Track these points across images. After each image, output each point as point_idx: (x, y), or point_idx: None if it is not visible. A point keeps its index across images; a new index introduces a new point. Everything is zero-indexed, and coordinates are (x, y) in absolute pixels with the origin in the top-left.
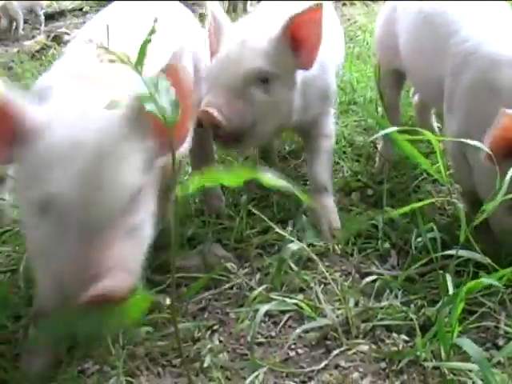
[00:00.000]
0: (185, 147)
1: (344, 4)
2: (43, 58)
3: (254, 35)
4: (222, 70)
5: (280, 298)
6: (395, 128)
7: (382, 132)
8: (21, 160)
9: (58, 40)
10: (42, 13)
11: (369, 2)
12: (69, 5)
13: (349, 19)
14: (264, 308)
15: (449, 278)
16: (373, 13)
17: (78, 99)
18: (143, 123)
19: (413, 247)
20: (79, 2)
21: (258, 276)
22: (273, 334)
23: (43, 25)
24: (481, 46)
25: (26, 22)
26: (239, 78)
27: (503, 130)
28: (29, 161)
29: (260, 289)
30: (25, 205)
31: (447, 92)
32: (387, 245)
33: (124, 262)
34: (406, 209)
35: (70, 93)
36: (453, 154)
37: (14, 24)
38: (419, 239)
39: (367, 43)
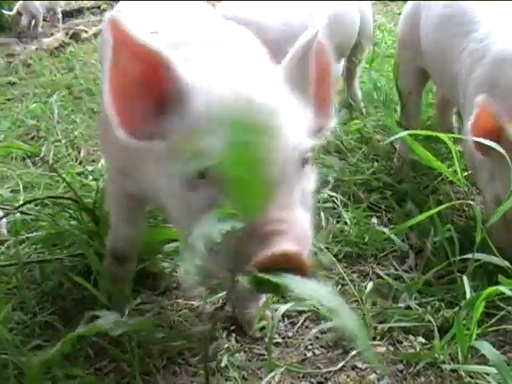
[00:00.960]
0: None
1: None
2: (62, 55)
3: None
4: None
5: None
6: (409, 132)
7: (397, 136)
8: (173, 122)
9: (76, 37)
10: (60, 11)
11: (388, 2)
12: (87, 3)
13: None
14: (282, 308)
15: (466, 280)
16: (391, 12)
17: (222, 60)
18: (304, 85)
19: (430, 248)
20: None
21: None
22: (290, 334)
23: (61, 22)
24: (493, 44)
25: (44, 19)
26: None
27: (479, 118)
28: (186, 121)
29: None
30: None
31: (462, 90)
32: (406, 246)
33: (302, 226)
34: (428, 214)
35: (207, 54)
36: (467, 153)
37: (33, 21)
38: (437, 238)
39: (385, 43)
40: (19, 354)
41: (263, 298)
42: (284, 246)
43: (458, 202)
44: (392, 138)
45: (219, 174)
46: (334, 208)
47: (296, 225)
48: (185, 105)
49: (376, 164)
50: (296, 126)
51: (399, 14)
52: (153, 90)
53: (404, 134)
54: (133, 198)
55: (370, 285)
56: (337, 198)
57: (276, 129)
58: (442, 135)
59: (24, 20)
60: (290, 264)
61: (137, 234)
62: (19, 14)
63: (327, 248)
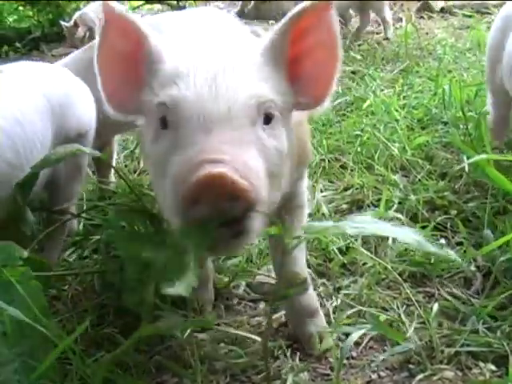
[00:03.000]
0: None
1: (422, 17)
2: None
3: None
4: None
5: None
6: (484, 156)
7: (471, 160)
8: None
9: None
10: None
11: (447, 15)
12: (144, 14)
13: (427, 33)
14: (355, 335)
15: None
16: (452, 27)
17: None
18: (279, 59)
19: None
20: (154, 11)
21: (340, 295)
22: (354, 354)
23: None
24: None
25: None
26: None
27: None
28: (154, 85)
29: (349, 312)
30: (150, 129)
31: None
32: (473, 267)
33: (240, 160)
34: (503, 240)
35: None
36: None
37: (88, 33)
38: (503, 258)
39: (445, 58)
40: (83, 365)
41: (321, 316)
42: (213, 168)
43: None
44: (467, 162)
45: (176, 114)
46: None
47: (236, 158)
48: (156, 72)
49: (441, 182)
50: (255, 78)
51: (459, 28)
52: (136, 66)
53: (478, 158)
54: None
55: (435, 306)
56: (401, 217)
57: (229, 83)
58: None
59: (80, 32)
60: (222, 190)
61: None
62: (76, 25)
63: (392, 267)
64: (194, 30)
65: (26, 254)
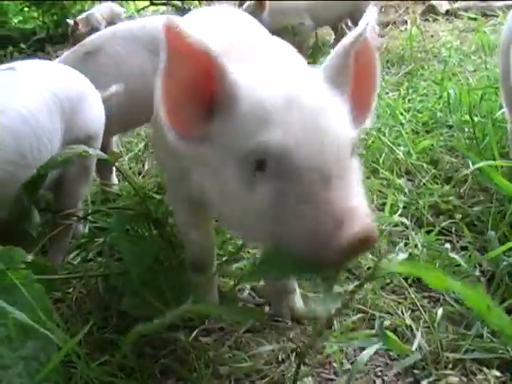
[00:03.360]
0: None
1: (427, 20)
2: None
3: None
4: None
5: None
6: (488, 162)
7: (476, 166)
8: (224, 122)
9: None
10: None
11: (452, 18)
12: (149, 15)
13: (432, 36)
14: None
15: None
16: (457, 30)
17: (261, 63)
18: (343, 85)
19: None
20: (159, 13)
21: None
22: (358, 359)
23: None
24: None
25: None
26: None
27: None
28: (236, 120)
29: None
30: (230, 168)
31: None
32: (477, 272)
33: (364, 205)
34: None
35: (246, 58)
36: None
37: (91, 33)
38: (506, 262)
39: (450, 61)
40: (88, 368)
41: (298, 294)
42: (361, 226)
43: None
44: (471, 169)
45: (283, 162)
46: (403, 231)
47: (362, 206)
48: (234, 108)
49: (446, 186)
50: (343, 120)
51: (464, 31)
52: (203, 92)
53: (483, 164)
54: (194, 203)
55: (440, 311)
56: (406, 222)
57: (328, 125)
58: None
59: (81, 30)
60: (370, 241)
61: (211, 240)
62: (76, 24)
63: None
64: (249, 49)
65: (29, 257)
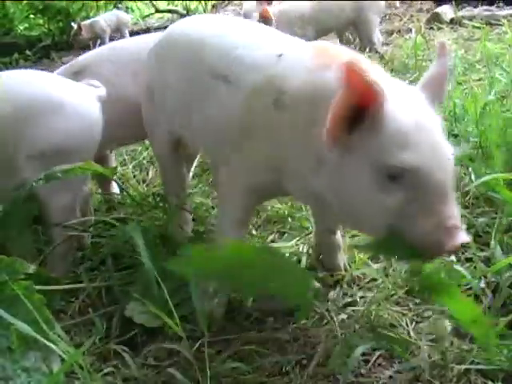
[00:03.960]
0: None
1: (432, 28)
2: None
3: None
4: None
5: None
6: (493, 176)
7: (481, 180)
8: (366, 138)
9: None
10: (127, 31)
11: (457, 27)
12: (154, 22)
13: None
14: (359, 350)
15: None
16: (461, 38)
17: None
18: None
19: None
20: (164, 20)
21: (347, 310)
22: (362, 371)
23: None
24: None
25: (112, 39)
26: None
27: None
28: (381, 138)
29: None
30: (365, 173)
31: None
32: (482, 284)
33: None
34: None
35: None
36: None
37: (97, 40)
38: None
39: (455, 70)
40: (91, 379)
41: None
42: (462, 237)
43: None
44: (475, 184)
45: (418, 178)
46: None
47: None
48: (379, 128)
49: None
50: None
51: (469, 39)
52: (355, 111)
53: (488, 178)
54: (257, 193)
55: (445, 323)
56: None
57: (444, 145)
58: None
59: (84, 35)
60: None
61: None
62: (80, 28)
63: (401, 282)
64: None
65: (32, 268)
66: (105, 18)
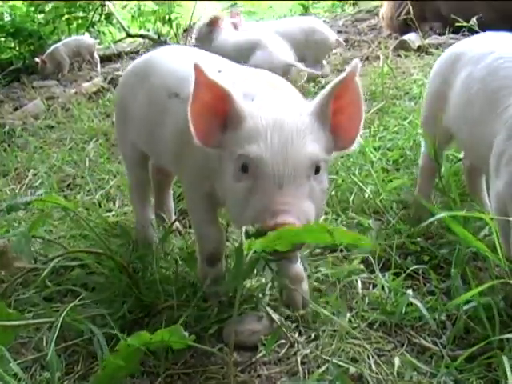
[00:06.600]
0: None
1: (399, 55)
2: (100, 100)
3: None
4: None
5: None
6: (448, 213)
7: (434, 218)
8: (230, 136)
9: (114, 82)
10: (97, 55)
11: (423, 55)
12: (126, 47)
13: (404, 72)
14: None
15: (506, 360)
16: (428, 66)
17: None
18: (325, 119)
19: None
20: (136, 44)
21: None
22: None
23: (99, 67)
24: None
25: (83, 63)
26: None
27: None
28: (239, 135)
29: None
30: (230, 166)
31: (497, 151)
32: (443, 316)
33: (300, 210)
34: (471, 294)
35: (269, 95)
36: (498, 215)
37: (58, 68)
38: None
39: (421, 98)
40: None
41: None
42: (284, 218)
43: (500, 281)
44: (428, 221)
45: (259, 168)
46: (371, 272)
47: (297, 207)
48: (239, 125)
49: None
50: (311, 141)
51: None
52: (218, 113)
53: (443, 215)
54: (210, 198)
55: (402, 359)
56: (373, 263)
57: (296, 146)
58: (482, 216)
59: (49, 67)
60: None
61: (223, 234)
62: (43, 62)
63: (362, 316)
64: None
65: None
66: (65, 44)
